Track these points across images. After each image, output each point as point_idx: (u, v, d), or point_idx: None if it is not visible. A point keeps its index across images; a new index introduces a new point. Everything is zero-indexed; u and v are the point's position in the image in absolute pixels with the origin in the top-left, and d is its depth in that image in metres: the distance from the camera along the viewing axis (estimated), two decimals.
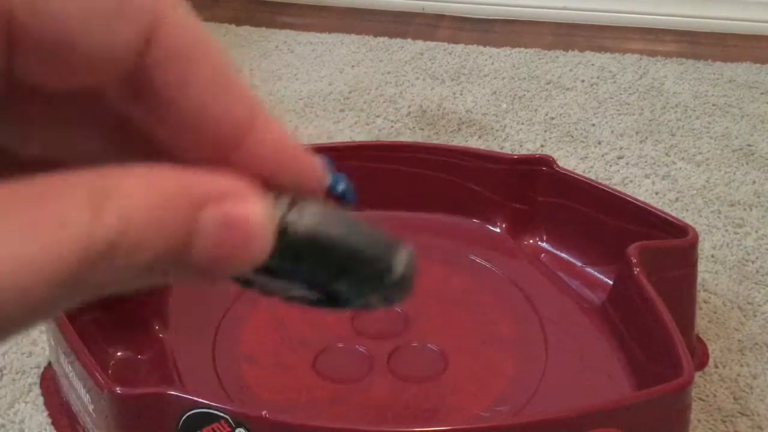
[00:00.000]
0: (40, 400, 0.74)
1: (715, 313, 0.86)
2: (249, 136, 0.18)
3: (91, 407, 0.63)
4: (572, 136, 1.20)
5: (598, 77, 1.38)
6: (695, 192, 1.06)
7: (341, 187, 0.19)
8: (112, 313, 0.72)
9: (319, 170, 0.19)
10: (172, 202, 0.16)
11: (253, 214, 0.17)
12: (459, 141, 1.18)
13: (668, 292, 0.70)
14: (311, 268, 0.18)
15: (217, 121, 0.17)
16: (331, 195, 0.19)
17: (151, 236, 0.16)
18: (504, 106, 1.29)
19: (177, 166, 0.17)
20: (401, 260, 0.19)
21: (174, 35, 0.16)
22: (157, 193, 0.16)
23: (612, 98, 1.31)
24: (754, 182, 1.09)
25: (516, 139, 1.19)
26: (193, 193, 0.16)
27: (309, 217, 0.18)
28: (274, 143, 0.18)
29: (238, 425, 0.56)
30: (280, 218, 0.18)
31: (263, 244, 0.17)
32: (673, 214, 0.86)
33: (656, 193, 1.06)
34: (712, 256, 0.94)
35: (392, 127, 1.22)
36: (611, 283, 0.78)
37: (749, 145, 1.18)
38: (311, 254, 0.18)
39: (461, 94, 1.32)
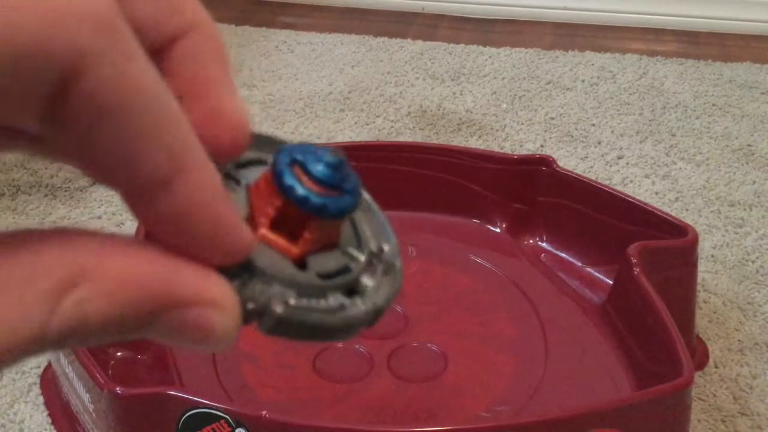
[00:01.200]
0: (40, 400, 0.74)
1: (715, 313, 0.86)
2: (170, 185, 0.16)
3: (91, 407, 0.63)
4: (572, 136, 1.20)
5: (598, 77, 1.38)
6: (695, 192, 1.06)
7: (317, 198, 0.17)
8: None
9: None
10: (137, 303, 0.16)
11: (212, 322, 0.17)
12: (459, 141, 1.18)
13: (668, 292, 0.70)
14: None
15: (126, 176, 0.16)
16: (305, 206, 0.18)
17: (108, 326, 0.16)
18: (504, 106, 1.29)
19: (155, 251, 0.16)
20: (359, 320, 0.19)
21: (91, 90, 0.15)
22: (126, 289, 0.16)
23: (612, 98, 1.31)
24: (754, 182, 1.09)
25: (516, 139, 1.19)
26: (159, 297, 0.16)
27: (270, 317, 0.18)
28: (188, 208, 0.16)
29: (238, 425, 0.56)
30: (245, 306, 0.17)
31: (226, 341, 0.17)
32: (673, 214, 0.86)
33: (656, 193, 1.06)
34: (712, 256, 0.94)
35: (392, 127, 1.22)
36: (611, 283, 0.78)
37: (749, 145, 1.18)
38: (279, 334, 0.18)
39: (461, 94, 1.32)
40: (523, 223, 0.89)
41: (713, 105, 1.29)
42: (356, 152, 0.91)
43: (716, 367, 0.79)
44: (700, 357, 0.79)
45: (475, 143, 1.18)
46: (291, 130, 1.21)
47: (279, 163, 0.18)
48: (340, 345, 0.75)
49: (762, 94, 1.33)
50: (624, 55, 1.48)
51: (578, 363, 0.73)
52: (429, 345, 0.75)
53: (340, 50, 1.49)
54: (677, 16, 1.63)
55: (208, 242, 0.17)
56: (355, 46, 1.51)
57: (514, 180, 0.88)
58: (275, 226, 0.18)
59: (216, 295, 0.17)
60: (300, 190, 0.17)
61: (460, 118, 1.25)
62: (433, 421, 0.68)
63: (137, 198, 0.16)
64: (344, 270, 0.19)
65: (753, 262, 0.93)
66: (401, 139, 1.19)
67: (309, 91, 1.33)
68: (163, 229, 0.17)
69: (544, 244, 0.88)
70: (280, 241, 0.18)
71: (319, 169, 0.18)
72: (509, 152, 1.12)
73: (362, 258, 0.20)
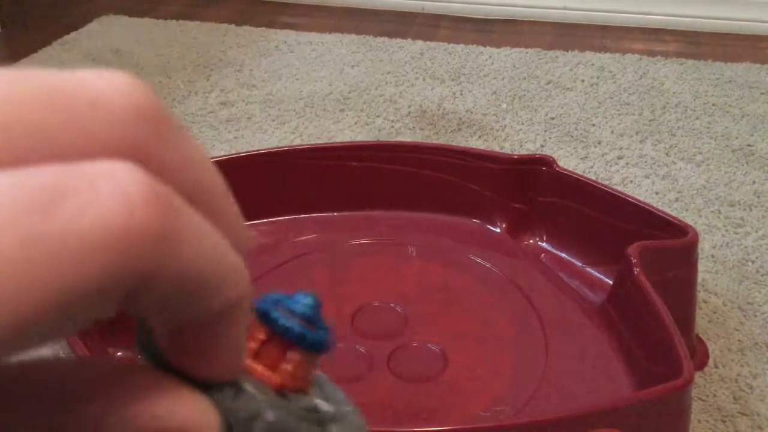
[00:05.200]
0: None
1: (715, 313, 0.86)
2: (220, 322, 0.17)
3: None
4: (572, 136, 1.20)
5: (598, 77, 1.38)
6: (695, 192, 1.06)
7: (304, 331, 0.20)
8: None
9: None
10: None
11: None
12: (459, 141, 1.18)
13: (668, 292, 0.70)
14: None
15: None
16: (289, 338, 0.20)
17: None
18: (504, 106, 1.29)
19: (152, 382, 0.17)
20: None
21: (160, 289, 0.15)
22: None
23: (612, 98, 1.31)
24: (754, 182, 1.09)
25: (516, 139, 1.19)
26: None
27: (271, 417, 0.19)
28: None
29: None
30: (227, 414, 0.18)
31: None
32: (673, 214, 0.86)
33: (656, 193, 1.06)
34: (712, 256, 0.94)
35: (392, 127, 1.22)
36: (611, 283, 0.78)
37: (749, 145, 1.18)
38: None
39: (461, 94, 1.32)
40: (523, 223, 0.89)
41: (713, 105, 1.29)
42: (356, 152, 0.91)
43: (716, 367, 0.79)
44: (700, 357, 0.79)
45: (475, 143, 1.18)
46: (291, 130, 1.21)
47: (264, 301, 0.20)
48: (340, 345, 0.75)
49: (762, 94, 1.33)
50: (624, 55, 1.48)
51: (578, 363, 0.73)
52: (429, 345, 0.75)
53: (340, 50, 1.49)
54: (677, 16, 1.63)
55: (221, 367, 0.18)
56: (355, 46, 1.51)
57: (514, 180, 0.88)
58: (255, 358, 0.19)
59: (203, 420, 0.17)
60: (285, 322, 0.19)
61: (460, 118, 1.25)
62: (433, 421, 0.68)
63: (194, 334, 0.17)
64: (315, 411, 0.21)
65: (753, 262, 0.93)
66: (401, 139, 1.19)
67: (309, 91, 1.33)
68: (192, 357, 0.17)
69: (544, 244, 0.88)
70: (261, 370, 0.19)
71: (299, 307, 0.20)
72: (509, 152, 1.12)
73: (330, 410, 0.21)
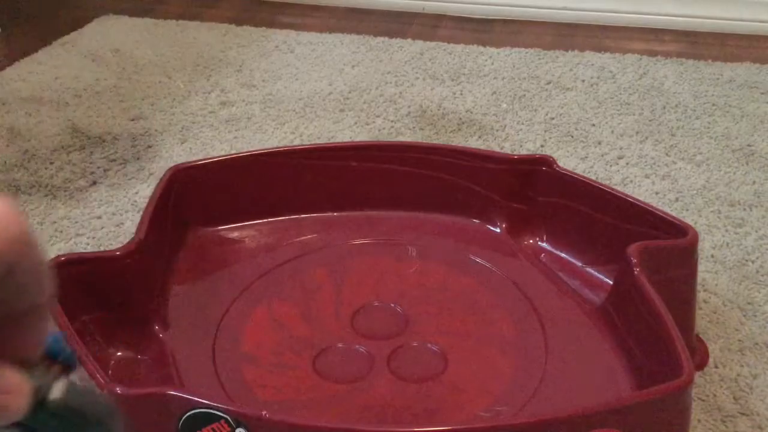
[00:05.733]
0: None
1: (715, 313, 0.86)
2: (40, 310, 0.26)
3: None
4: (572, 136, 1.20)
5: (598, 77, 1.39)
6: (695, 192, 1.06)
7: (64, 354, 0.29)
8: (112, 313, 0.72)
9: None
10: None
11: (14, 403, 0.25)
12: (459, 141, 1.18)
13: (668, 292, 0.70)
14: (54, 427, 0.27)
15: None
16: (56, 361, 0.29)
17: None
18: (504, 106, 1.29)
19: None
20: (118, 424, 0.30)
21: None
22: None
23: (612, 98, 1.31)
24: (754, 182, 1.09)
25: (516, 139, 1.19)
26: None
27: (59, 392, 0.27)
28: None
29: (238, 425, 0.56)
30: (37, 389, 0.26)
31: (18, 413, 0.25)
32: (673, 214, 0.86)
33: (656, 193, 1.06)
34: (712, 256, 0.94)
35: (392, 127, 1.22)
36: (611, 283, 0.78)
37: (749, 145, 1.18)
38: (58, 417, 0.27)
39: (461, 94, 1.32)
40: (523, 223, 0.89)
41: (713, 105, 1.29)
42: (356, 152, 0.92)
43: (716, 367, 0.79)
44: (700, 357, 0.79)
45: (475, 143, 1.18)
46: (291, 130, 1.21)
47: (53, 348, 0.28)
48: (340, 345, 0.75)
49: (762, 94, 1.33)
50: (624, 55, 1.48)
51: (578, 363, 0.73)
52: (429, 345, 0.75)
53: (340, 50, 1.49)
54: (677, 16, 1.63)
55: (31, 350, 0.26)
56: (355, 46, 1.51)
57: (514, 180, 0.88)
58: None
59: (18, 387, 0.25)
60: (53, 347, 0.28)
61: (460, 118, 1.25)
62: (433, 421, 0.68)
63: (20, 321, 0.25)
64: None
65: (753, 262, 0.93)
66: (401, 139, 1.19)
67: (309, 91, 1.33)
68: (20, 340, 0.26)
69: (544, 244, 0.88)
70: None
71: (57, 340, 0.28)
72: (509, 152, 1.12)
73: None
